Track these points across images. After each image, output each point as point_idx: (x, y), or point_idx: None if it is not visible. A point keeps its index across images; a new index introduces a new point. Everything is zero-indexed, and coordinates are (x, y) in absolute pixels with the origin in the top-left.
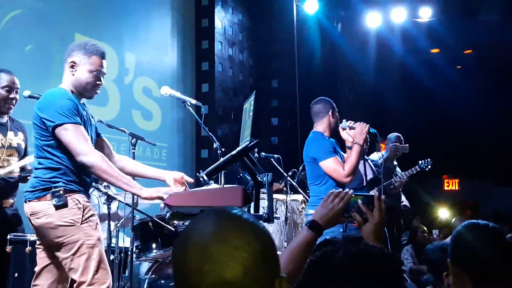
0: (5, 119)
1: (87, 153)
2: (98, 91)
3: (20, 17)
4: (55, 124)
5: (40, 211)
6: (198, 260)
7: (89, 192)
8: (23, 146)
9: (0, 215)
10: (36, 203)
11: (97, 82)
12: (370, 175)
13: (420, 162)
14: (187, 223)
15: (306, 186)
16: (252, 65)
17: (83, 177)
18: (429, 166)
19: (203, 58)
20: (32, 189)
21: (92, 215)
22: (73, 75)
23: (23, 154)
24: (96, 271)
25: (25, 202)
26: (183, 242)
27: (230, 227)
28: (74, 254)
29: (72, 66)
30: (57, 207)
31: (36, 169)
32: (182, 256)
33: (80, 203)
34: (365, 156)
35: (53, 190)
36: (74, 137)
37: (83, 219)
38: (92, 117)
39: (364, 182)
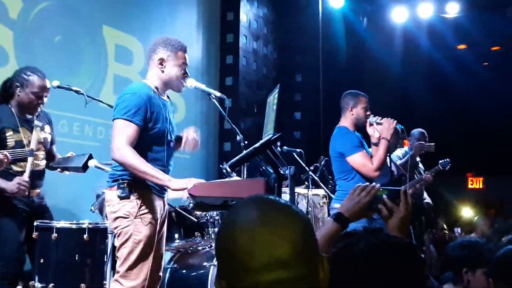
0: (30, 115)
1: (118, 149)
2: (185, 84)
3: (49, 9)
4: (113, 118)
5: (108, 199)
6: (248, 244)
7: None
8: (49, 139)
9: (29, 205)
10: (107, 191)
11: (184, 75)
12: (395, 172)
13: (440, 161)
14: (210, 214)
15: (327, 181)
16: (276, 59)
17: None
18: (449, 165)
19: (227, 51)
20: (108, 179)
21: (146, 212)
22: (163, 71)
23: (49, 148)
24: (133, 266)
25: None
26: (228, 229)
27: (272, 210)
28: (121, 244)
29: (161, 63)
30: (120, 198)
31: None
32: (230, 242)
33: (139, 198)
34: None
35: (119, 181)
36: (117, 133)
37: (138, 214)
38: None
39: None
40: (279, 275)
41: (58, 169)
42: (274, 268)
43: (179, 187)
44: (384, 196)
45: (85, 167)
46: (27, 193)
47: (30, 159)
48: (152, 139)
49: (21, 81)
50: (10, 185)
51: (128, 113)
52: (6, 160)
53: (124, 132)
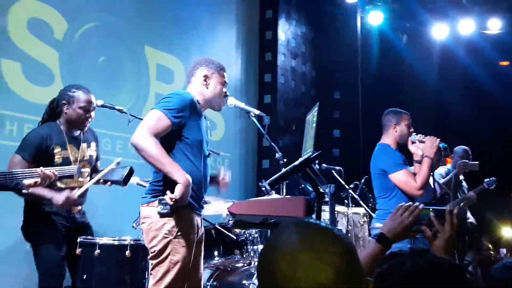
0: (78, 132)
1: (144, 135)
2: (225, 102)
3: (93, 30)
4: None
5: (146, 216)
6: (290, 268)
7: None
8: (94, 156)
9: (70, 221)
10: (145, 207)
11: (225, 94)
12: (437, 191)
13: (486, 180)
14: (249, 232)
15: (368, 199)
16: (315, 77)
17: (195, 190)
18: (495, 184)
19: (266, 70)
20: (145, 195)
21: (186, 232)
22: (207, 88)
23: (94, 164)
24: (168, 286)
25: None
26: (270, 252)
27: (313, 234)
28: (158, 263)
29: (205, 80)
30: (161, 215)
31: (154, 173)
32: (271, 266)
33: (181, 216)
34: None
35: (161, 197)
36: (148, 120)
37: (177, 234)
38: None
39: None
40: None
41: (100, 181)
42: None
43: (180, 194)
44: (432, 214)
45: (126, 181)
46: (77, 209)
47: (86, 177)
48: (193, 147)
49: (67, 98)
50: (58, 197)
51: (168, 108)
52: (54, 177)
53: (155, 122)
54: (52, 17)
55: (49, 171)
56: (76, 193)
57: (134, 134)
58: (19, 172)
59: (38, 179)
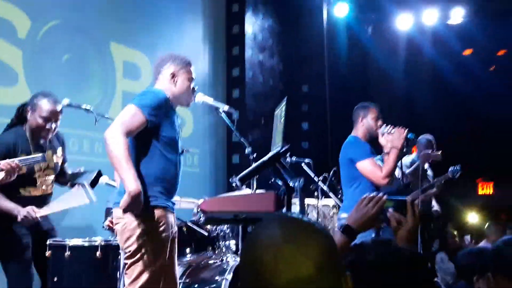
0: (43, 139)
1: (113, 132)
2: (194, 98)
3: (57, 28)
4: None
5: (120, 216)
6: (272, 260)
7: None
8: (60, 163)
9: (32, 225)
10: (119, 210)
11: (193, 89)
12: (403, 181)
13: (450, 169)
14: (221, 228)
15: (337, 191)
16: (282, 70)
17: (168, 189)
18: (459, 174)
19: (234, 64)
20: (118, 195)
21: (161, 231)
22: (175, 85)
23: (59, 170)
24: (144, 286)
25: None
26: (253, 246)
27: (295, 228)
28: (133, 262)
29: (172, 77)
30: (136, 216)
31: None
32: (253, 259)
33: (155, 216)
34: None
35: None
36: (124, 116)
37: (152, 233)
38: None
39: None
40: None
41: (68, 184)
42: (297, 286)
43: (125, 205)
44: (390, 209)
45: (93, 184)
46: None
47: (49, 184)
48: (170, 146)
49: (32, 104)
50: (20, 210)
51: (145, 105)
52: (17, 168)
53: (130, 118)
54: (15, 15)
55: (11, 161)
56: (38, 214)
57: (109, 129)
58: None
59: (2, 174)
